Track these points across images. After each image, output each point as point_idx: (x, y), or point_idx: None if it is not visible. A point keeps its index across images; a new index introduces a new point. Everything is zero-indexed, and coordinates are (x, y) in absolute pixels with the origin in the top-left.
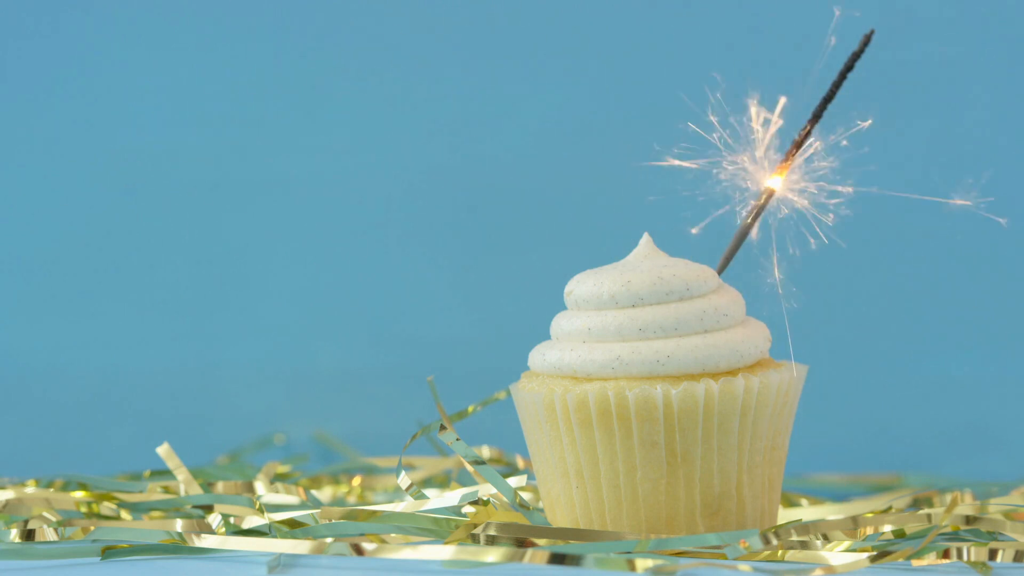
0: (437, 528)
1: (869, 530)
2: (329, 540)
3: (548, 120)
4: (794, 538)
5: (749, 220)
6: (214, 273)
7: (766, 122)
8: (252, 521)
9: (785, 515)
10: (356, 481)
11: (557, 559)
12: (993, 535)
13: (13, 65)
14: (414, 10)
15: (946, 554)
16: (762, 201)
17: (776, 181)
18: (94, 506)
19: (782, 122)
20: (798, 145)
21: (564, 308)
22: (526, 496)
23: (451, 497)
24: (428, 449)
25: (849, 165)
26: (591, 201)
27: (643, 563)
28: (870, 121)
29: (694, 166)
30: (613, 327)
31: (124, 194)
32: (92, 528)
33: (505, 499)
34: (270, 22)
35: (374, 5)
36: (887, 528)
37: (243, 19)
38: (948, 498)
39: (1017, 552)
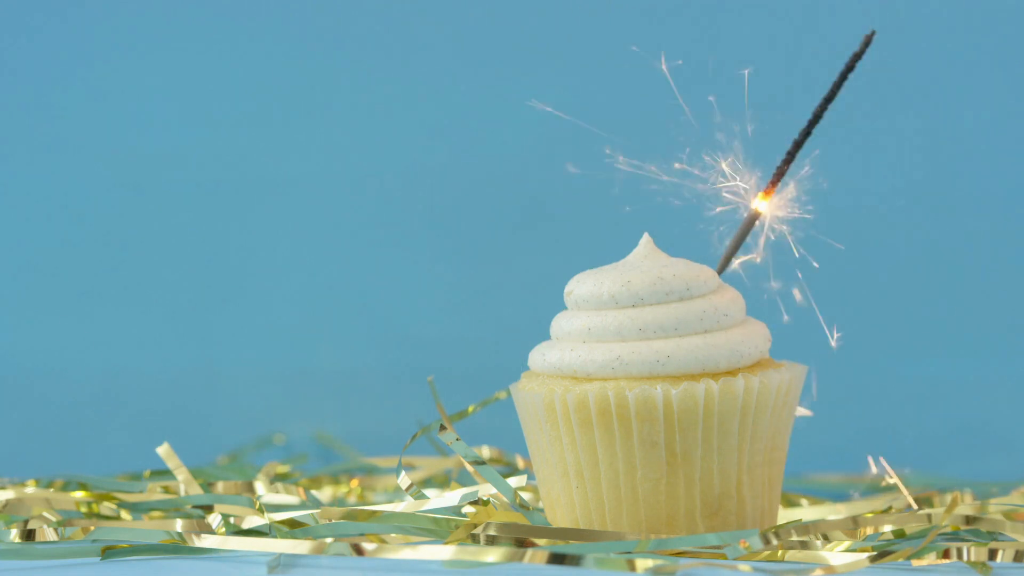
0: (437, 528)
1: (869, 530)
2: (329, 540)
3: (548, 120)
4: (794, 538)
5: (739, 235)
6: (214, 274)
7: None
8: (252, 521)
9: (785, 515)
10: (356, 481)
11: (557, 559)
12: (993, 535)
13: (16, 65)
14: (415, 11)
15: (946, 554)
16: (748, 222)
17: (763, 204)
18: (94, 506)
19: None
20: (790, 158)
21: (564, 308)
22: (526, 496)
23: (451, 497)
24: (428, 449)
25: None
26: (591, 201)
27: (643, 563)
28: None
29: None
30: (613, 327)
31: (125, 194)
32: (92, 528)
33: (505, 499)
34: (271, 24)
35: (375, 6)
36: (887, 528)
37: (243, 21)
38: (948, 498)
39: (1017, 552)
